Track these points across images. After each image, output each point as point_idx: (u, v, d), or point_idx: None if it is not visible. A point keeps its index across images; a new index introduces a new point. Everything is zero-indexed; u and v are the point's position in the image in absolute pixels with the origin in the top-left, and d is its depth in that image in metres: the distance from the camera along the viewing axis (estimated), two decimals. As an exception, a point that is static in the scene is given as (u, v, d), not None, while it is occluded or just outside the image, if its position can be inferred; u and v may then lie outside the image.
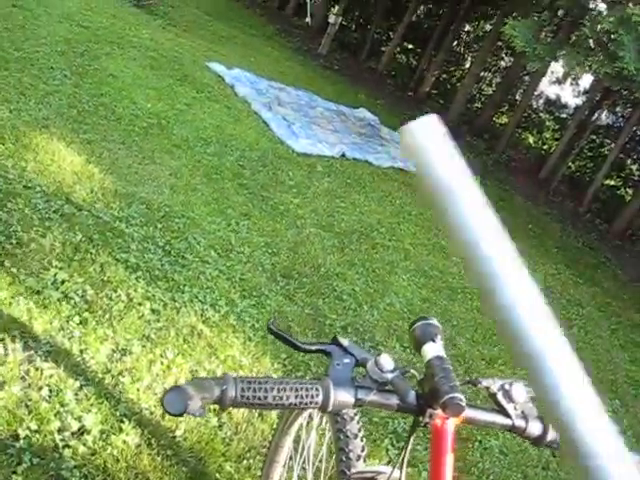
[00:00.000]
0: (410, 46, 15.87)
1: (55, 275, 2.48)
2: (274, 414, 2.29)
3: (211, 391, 0.76)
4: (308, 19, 13.17)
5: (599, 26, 6.50)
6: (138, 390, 2.15)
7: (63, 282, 2.48)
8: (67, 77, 4.48)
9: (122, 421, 2.00)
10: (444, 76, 14.98)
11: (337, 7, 13.56)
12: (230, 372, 2.45)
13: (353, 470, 1.25)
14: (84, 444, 1.88)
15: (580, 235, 8.53)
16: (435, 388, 0.84)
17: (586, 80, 11.94)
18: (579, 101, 14.12)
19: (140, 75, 5.31)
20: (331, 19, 11.50)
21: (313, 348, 0.97)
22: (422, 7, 15.17)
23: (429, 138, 0.42)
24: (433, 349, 0.90)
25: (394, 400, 0.88)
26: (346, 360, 0.91)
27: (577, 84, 14.48)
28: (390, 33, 15.02)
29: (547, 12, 8.08)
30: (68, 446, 1.85)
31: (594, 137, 13.63)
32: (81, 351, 2.20)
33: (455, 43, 14.65)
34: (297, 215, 4.20)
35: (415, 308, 3.80)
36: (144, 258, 2.89)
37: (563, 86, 14.82)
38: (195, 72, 6.16)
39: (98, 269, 2.65)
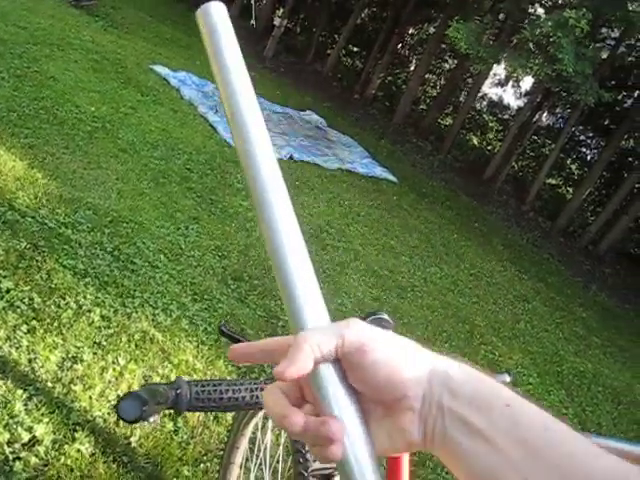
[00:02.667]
0: (355, 49, 16.03)
1: (-1, 284, 2.41)
2: (230, 416, 2.28)
3: (165, 396, 0.75)
4: (253, 21, 13.12)
5: (539, 29, 6.73)
6: (90, 398, 2.11)
7: (8, 291, 2.40)
8: (5, 80, 4.34)
9: (75, 430, 1.96)
10: (389, 78, 15.18)
11: (282, 10, 13.59)
12: (184, 376, 2.43)
13: (310, 470, 1.25)
14: (36, 455, 1.83)
15: (524, 233, 8.79)
16: None
17: (527, 82, 12.32)
18: (521, 103, 14.57)
19: (82, 78, 5.19)
20: (276, 22, 11.51)
21: None
22: (366, 10, 15.35)
23: (214, 24, 0.44)
24: None
25: None
26: None
27: (519, 86, 14.95)
28: (335, 36, 15.13)
29: (489, 15, 8.30)
30: (19, 458, 1.80)
31: (536, 138, 14.09)
32: (30, 360, 2.14)
33: (400, 46, 14.88)
34: (246, 218, 4.19)
35: (366, 307, 3.85)
36: (92, 264, 2.83)
37: (505, 88, 15.28)
38: (139, 75, 6.06)
39: (45, 276, 2.58)
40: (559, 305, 6.23)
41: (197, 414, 2.24)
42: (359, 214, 5.51)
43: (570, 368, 4.78)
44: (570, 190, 13.60)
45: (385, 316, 0.98)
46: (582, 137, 14.23)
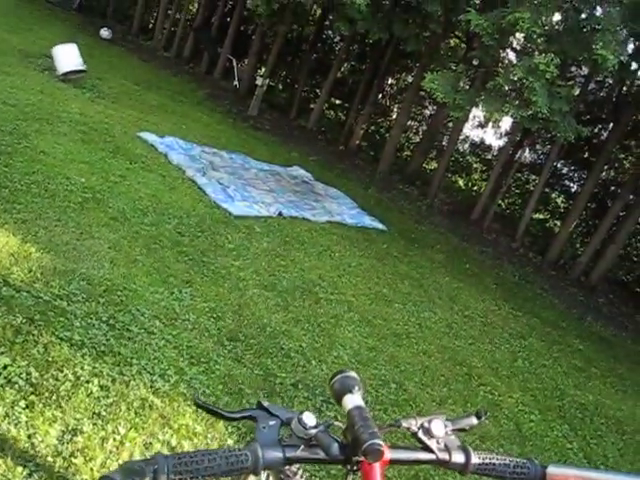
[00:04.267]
0: (337, 101, 16.42)
1: (-4, 361, 2.45)
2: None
3: (143, 474, 0.78)
4: (236, 82, 13.48)
5: (511, 75, 6.98)
6: (92, 470, 2.13)
7: (5, 367, 2.44)
8: (-4, 158, 4.47)
9: (77, 504, 1.98)
10: (372, 128, 15.52)
11: (263, 69, 13.98)
12: (162, 453, 2.46)
13: None
14: (38, 533, 1.84)
15: (516, 269, 8.86)
16: (356, 437, 0.90)
17: (507, 122, 12.63)
18: (502, 142, 14.89)
19: (72, 150, 5.33)
20: (258, 81, 11.83)
21: (238, 416, 1.01)
22: (345, 64, 15.81)
23: None
24: (352, 400, 0.98)
25: (321, 454, 0.93)
26: (272, 422, 0.96)
27: (498, 126, 15.31)
28: (317, 90, 15.52)
29: (462, 65, 8.59)
30: (21, 538, 1.81)
31: (519, 175, 14.33)
32: (29, 436, 2.17)
33: (380, 96, 15.26)
34: (239, 277, 4.26)
35: (363, 358, 3.88)
36: (88, 334, 2.87)
37: (486, 129, 15.63)
38: (127, 143, 6.21)
39: (42, 350, 2.63)
40: (555, 339, 6.25)
41: None
42: (350, 265, 5.58)
43: (571, 402, 4.78)
44: (557, 223, 13.76)
45: (352, 373, 1.03)
46: (564, 170, 14.48)
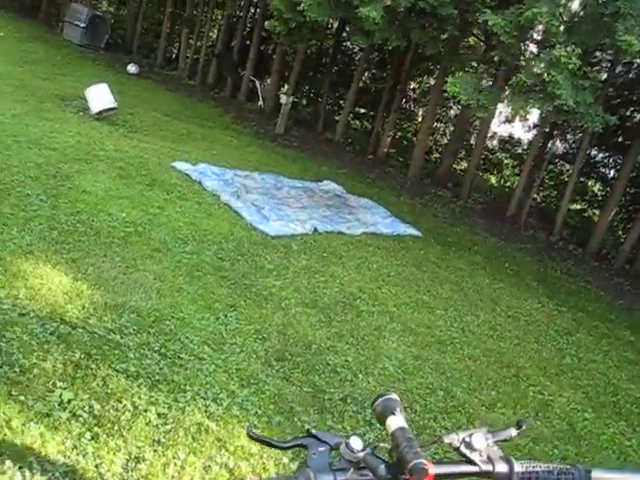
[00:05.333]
0: (362, 111, 16.50)
1: (61, 395, 2.59)
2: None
3: None
4: (260, 102, 13.71)
5: (534, 69, 6.95)
6: (157, 495, 2.24)
7: (69, 401, 2.58)
8: (43, 201, 4.67)
9: (146, 529, 2.08)
10: (399, 134, 15.55)
11: (287, 86, 14.19)
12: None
13: None
14: None
15: (557, 264, 8.76)
16: (401, 457, 0.97)
17: (535, 114, 12.49)
18: (531, 135, 14.71)
19: (111, 187, 5.53)
20: (282, 99, 12.02)
21: (290, 444, 1.08)
22: (367, 73, 15.91)
23: None
24: (395, 421, 1.05)
25: (370, 475, 1.00)
26: (321, 449, 1.03)
27: (526, 119, 15.13)
28: (341, 102, 15.64)
29: (482, 64, 8.59)
30: None
31: (552, 166, 14.14)
32: (96, 466, 2.29)
33: (404, 101, 15.29)
34: (281, 297, 4.36)
35: (408, 367, 3.93)
36: (142, 365, 3.00)
37: (513, 124, 15.46)
38: (162, 174, 6.41)
39: (101, 383, 2.76)
40: (604, 332, 6.16)
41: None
42: (389, 275, 5.64)
43: (626, 396, 4.71)
44: (596, 212, 13.51)
45: (393, 396, 1.10)
46: (599, 157, 14.22)
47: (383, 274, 5.60)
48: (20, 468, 2.15)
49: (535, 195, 12.09)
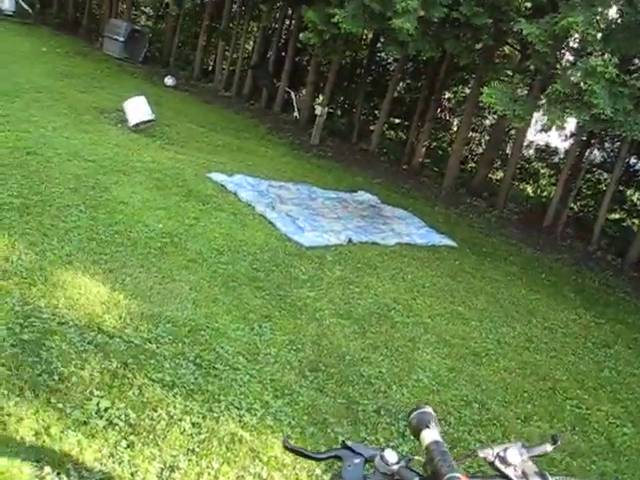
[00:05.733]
0: (397, 121, 16.48)
1: (98, 404, 2.65)
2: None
3: None
4: (296, 113, 13.81)
5: (570, 78, 6.86)
6: (191, 505, 2.27)
7: (106, 409, 2.64)
8: (83, 212, 4.80)
9: (180, 537, 2.11)
10: (434, 144, 15.46)
11: (322, 97, 14.26)
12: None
13: None
14: None
15: (595, 275, 8.58)
16: (435, 470, 0.97)
17: (572, 123, 12.30)
18: (567, 144, 14.48)
19: (148, 198, 5.64)
20: (317, 110, 12.08)
21: (325, 456, 1.10)
22: (401, 84, 15.89)
23: None
24: (429, 435, 1.05)
25: None
26: (356, 460, 1.04)
27: (563, 128, 14.89)
28: (376, 112, 15.64)
29: (518, 74, 8.52)
30: None
31: (590, 175, 13.88)
32: (132, 474, 2.34)
33: (439, 111, 15.21)
34: (315, 308, 4.38)
35: (443, 379, 3.90)
36: (178, 374, 3.05)
37: (550, 133, 15.24)
38: (198, 185, 6.51)
39: (137, 392, 2.82)
40: (644, 346, 6.00)
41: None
42: (424, 286, 5.60)
43: (668, 411, 4.58)
44: (636, 222, 13.19)
45: (428, 409, 1.10)
46: (638, 166, 13.90)
47: (418, 285, 5.57)
48: (58, 474, 2.21)
49: (572, 205, 11.87)
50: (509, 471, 1.03)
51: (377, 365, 3.81)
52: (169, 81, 13.94)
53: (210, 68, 18.04)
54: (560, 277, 7.83)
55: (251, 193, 6.74)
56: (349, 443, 1.08)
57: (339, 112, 16.39)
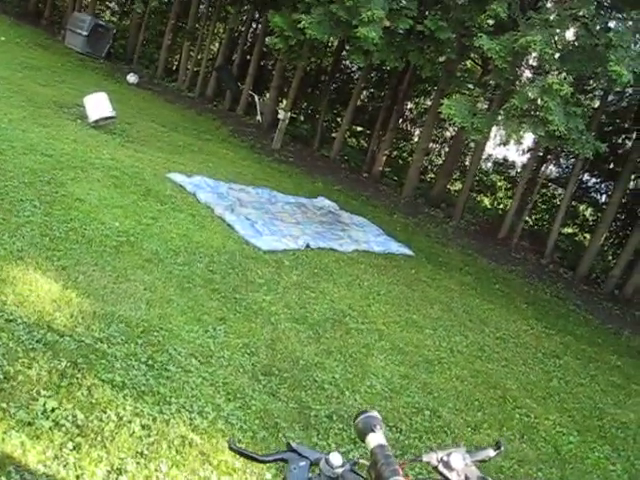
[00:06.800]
0: (359, 129, 16.63)
1: (44, 404, 2.57)
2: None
3: None
4: (259, 117, 13.79)
5: (528, 94, 7.04)
6: (137, 509, 2.23)
7: (53, 410, 2.56)
8: (37, 207, 4.67)
9: (124, 542, 2.07)
10: (395, 153, 15.66)
11: (285, 102, 14.28)
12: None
13: None
14: None
15: (547, 287, 8.80)
16: (379, 474, 0.99)
17: (529, 138, 12.63)
18: (525, 159, 14.86)
19: (105, 195, 5.53)
20: (280, 115, 12.09)
21: (271, 458, 1.10)
22: (365, 92, 16.04)
23: None
24: (375, 438, 1.06)
25: None
26: (301, 463, 1.05)
27: (521, 143, 15.28)
28: (338, 119, 15.75)
29: (478, 88, 8.70)
30: None
31: (545, 190, 14.27)
32: (77, 477, 2.28)
33: (401, 121, 15.42)
34: (270, 312, 4.37)
35: (395, 386, 3.93)
36: (129, 375, 2.99)
37: (508, 147, 15.62)
38: (157, 185, 6.42)
39: (86, 392, 2.75)
40: (591, 356, 6.17)
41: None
42: (379, 293, 5.65)
43: (612, 421, 4.71)
44: (587, 236, 13.62)
45: (374, 413, 1.11)
46: (591, 182, 14.37)
47: (373, 292, 5.62)
48: (-1, 476, 2.14)
49: (527, 218, 12.18)
50: (452, 476, 1.05)
51: (331, 370, 3.82)
52: (132, 79, 13.75)
53: (174, 67, 17.88)
54: (513, 288, 8.00)
55: (210, 195, 6.69)
56: (294, 445, 1.09)
57: (302, 118, 16.45)
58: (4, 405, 2.48)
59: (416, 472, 2.70)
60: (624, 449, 4.29)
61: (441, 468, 1.06)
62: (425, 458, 1.07)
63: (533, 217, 14.06)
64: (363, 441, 1.08)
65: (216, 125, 12.44)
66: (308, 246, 6.21)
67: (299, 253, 5.94)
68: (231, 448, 1.13)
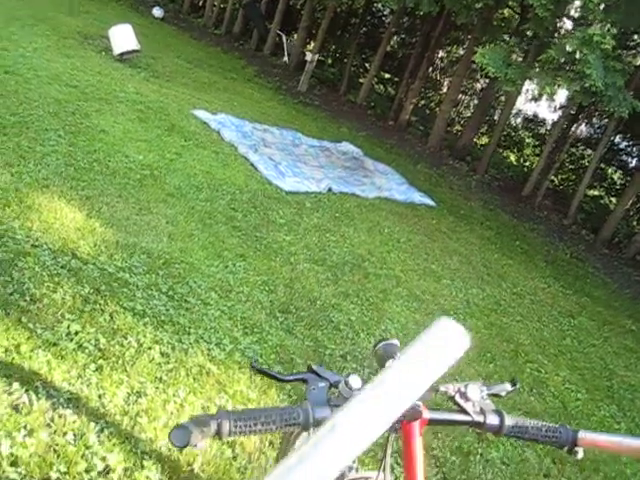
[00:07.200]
0: (387, 76, 16.29)
1: (68, 327, 2.64)
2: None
3: (209, 426, 0.90)
4: (285, 58, 13.54)
5: (566, 47, 6.81)
6: (155, 429, 2.30)
7: (77, 333, 2.63)
8: (61, 137, 4.69)
9: (143, 458, 2.15)
10: (422, 102, 15.36)
11: (313, 44, 13.97)
12: (225, 409, 2.61)
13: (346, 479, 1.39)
14: (110, 483, 2.02)
15: (567, 247, 8.73)
16: None
17: (562, 95, 12.29)
18: (556, 116, 14.50)
19: (129, 129, 5.52)
20: (308, 57, 11.86)
21: (291, 378, 1.11)
22: (395, 37, 15.63)
23: None
24: None
25: None
26: (321, 384, 1.05)
27: (553, 100, 14.90)
28: (367, 65, 15.43)
29: (514, 37, 8.42)
30: (95, 486, 1.99)
31: (574, 150, 13.97)
32: (99, 396, 2.35)
33: (430, 70, 15.06)
34: (290, 252, 4.39)
35: (410, 332, 3.97)
36: (149, 304, 3.05)
37: (539, 103, 15.23)
38: (181, 121, 6.39)
39: (108, 318, 2.82)
40: (606, 319, 6.16)
41: (253, 440, 2.41)
42: (399, 241, 5.64)
43: (620, 382, 4.74)
44: (613, 200, 13.39)
45: (394, 341, 1.12)
46: (622, 145, 14.02)
47: (393, 239, 5.61)
48: (27, 391, 2.22)
49: (553, 177, 11.98)
50: (468, 406, 1.06)
51: (347, 312, 3.86)
52: (157, 12, 13.52)
53: (200, 3, 17.50)
54: (533, 246, 7.95)
55: (234, 133, 6.65)
56: (314, 367, 1.10)
57: (329, 61, 16.12)
58: (31, 326, 2.55)
59: (429, 404, 2.75)
60: (630, 410, 4.32)
61: (457, 398, 1.07)
62: (442, 388, 1.08)
63: (559, 177, 13.81)
64: (382, 367, 1.09)
65: (242, 64, 12.25)
66: (330, 190, 6.19)
67: (321, 196, 5.93)
68: (253, 367, 1.15)
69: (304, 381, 1.08)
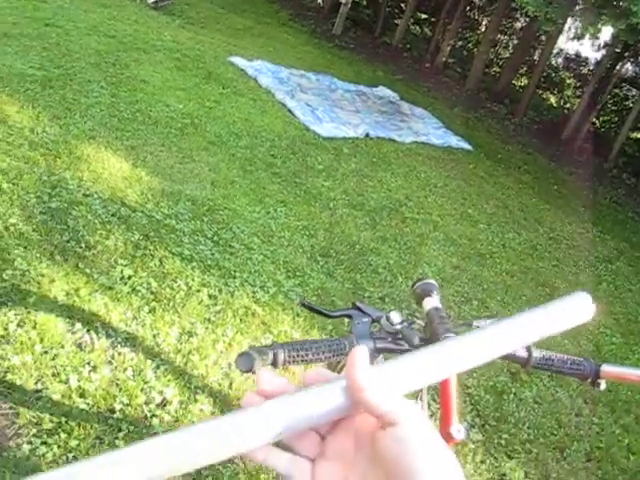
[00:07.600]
0: (423, 16, 15.83)
1: (122, 272, 2.80)
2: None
3: (267, 355, 1.00)
4: (320, 0, 13.27)
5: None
6: (206, 366, 2.47)
7: (130, 277, 2.79)
8: (104, 88, 4.78)
9: (196, 392, 2.32)
10: (460, 44, 14.95)
11: (348, -15, 13.63)
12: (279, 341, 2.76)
13: None
14: (167, 413, 2.20)
15: (607, 192, 8.60)
16: (434, 332, 1.09)
17: (606, 33, 11.81)
18: (599, 55, 13.96)
19: (168, 78, 5.59)
20: (342, -2, 11.61)
21: (338, 314, 1.21)
22: (432, -24, 15.11)
23: None
24: (431, 302, 1.16)
25: (404, 345, 1.12)
26: (364, 319, 1.15)
27: (597, 37, 14.31)
28: (402, 5, 15.00)
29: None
30: (155, 415, 2.17)
31: (617, 91, 13.50)
32: (154, 336, 2.52)
33: (468, 9, 14.57)
34: (329, 197, 4.48)
35: (447, 275, 4.06)
36: (196, 250, 3.20)
37: (582, 41, 14.67)
38: (218, 68, 6.42)
39: (158, 263, 2.97)
40: (645, 264, 6.14)
41: (298, 379, 2.56)
42: (436, 185, 5.67)
43: (656, 327, 4.77)
44: (658, 143, 12.98)
45: (431, 281, 1.20)
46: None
47: (430, 184, 5.64)
48: (88, 331, 2.39)
49: (594, 119, 11.66)
50: None
51: (385, 256, 3.96)
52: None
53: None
54: (572, 190, 7.85)
55: (271, 80, 6.65)
56: (358, 304, 1.20)
57: (364, 2, 15.71)
58: (88, 270, 2.71)
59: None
60: (665, 353, 4.36)
61: None
62: (475, 322, 1.16)
63: (600, 119, 13.41)
64: (420, 305, 1.18)
65: (275, 8, 12.07)
66: (367, 135, 6.20)
67: (358, 141, 5.96)
68: (303, 304, 1.26)
69: (349, 317, 1.18)
